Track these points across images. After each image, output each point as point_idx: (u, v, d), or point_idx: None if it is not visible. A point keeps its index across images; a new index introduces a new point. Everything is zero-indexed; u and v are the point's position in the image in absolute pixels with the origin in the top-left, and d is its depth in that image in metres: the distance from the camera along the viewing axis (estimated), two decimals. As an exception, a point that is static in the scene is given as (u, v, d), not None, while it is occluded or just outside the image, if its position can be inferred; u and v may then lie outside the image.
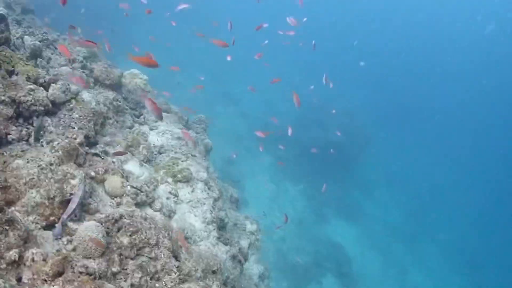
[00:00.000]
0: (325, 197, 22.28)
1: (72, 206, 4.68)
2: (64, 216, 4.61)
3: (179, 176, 7.34)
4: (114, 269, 4.40)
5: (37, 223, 4.73)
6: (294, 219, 20.55)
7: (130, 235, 4.81)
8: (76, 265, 4.02)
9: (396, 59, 48.33)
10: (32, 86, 6.51)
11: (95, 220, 4.74)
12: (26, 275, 4.00)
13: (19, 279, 3.99)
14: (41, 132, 6.19)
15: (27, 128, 6.12)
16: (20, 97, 6.18)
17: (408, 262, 21.44)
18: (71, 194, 5.06)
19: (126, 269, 4.54)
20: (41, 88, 6.73)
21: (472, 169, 32.83)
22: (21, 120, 6.24)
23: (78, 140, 6.07)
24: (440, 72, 48.55)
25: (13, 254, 4.00)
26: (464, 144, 36.61)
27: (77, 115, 6.67)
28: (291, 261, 17.57)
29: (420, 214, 25.01)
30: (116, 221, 4.84)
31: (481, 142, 38.01)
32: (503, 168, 34.02)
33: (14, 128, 5.99)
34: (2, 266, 3.94)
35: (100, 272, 4.18)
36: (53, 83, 7.05)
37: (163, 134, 9.20)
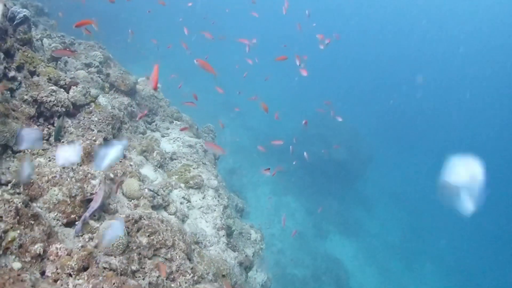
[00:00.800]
0: (326, 212, 22.38)
1: (94, 205, 4.83)
2: (87, 214, 4.75)
3: (191, 182, 7.49)
4: (134, 267, 4.53)
5: (58, 220, 4.87)
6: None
7: (148, 236, 4.95)
8: (100, 261, 4.16)
9: (404, 79, 48.88)
10: (54, 88, 6.71)
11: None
12: (49, 269, 4.12)
13: (42, 273, 4.12)
14: (62, 133, 6.36)
15: (48, 128, 6.30)
16: (42, 97, 6.37)
17: (406, 280, 21.43)
18: (91, 193, 5.22)
19: (144, 268, 4.67)
20: (62, 89, 6.94)
21: None
22: (41, 120, 6.42)
23: (97, 142, 6.23)
24: (445, 92, 49.06)
25: (38, 248, 4.13)
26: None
27: (96, 118, 6.86)
28: (289, 274, 17.59)
29: (420, 233, 25.05)
30: (136, 221, 4.98)
31: (483, 161, 38.17)
32: (506, 189, 34.13)
33: (35, 127, 6.17)
34: (26, 260, 4.06)
35: (121, 269, 4.31)
36: (73, 85, 7.26)
37: (174, 141, 9.38)
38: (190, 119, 11.04)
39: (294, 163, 17.68)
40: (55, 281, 3.99)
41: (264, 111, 10.69)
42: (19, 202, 4.24)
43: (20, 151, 5.67)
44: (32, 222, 4.28)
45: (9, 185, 4.88)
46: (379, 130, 33.87)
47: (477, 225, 28.09)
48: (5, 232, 3.98)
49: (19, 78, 6.45)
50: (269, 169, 8.09)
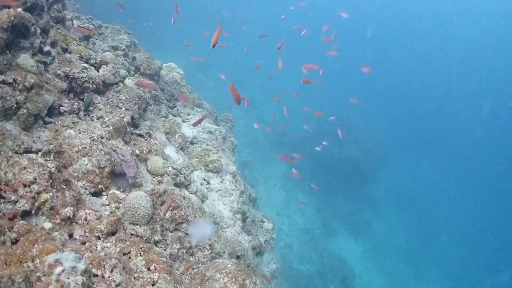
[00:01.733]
0: (335, 211, 22.42)
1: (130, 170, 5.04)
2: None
3: (210, 166, 7.67)
4: (156, 238, 4.71)
5: (86, 188, 5.07)
6: (302, 228, 20.71)
7: (171, 210, 5.13)
8: (127, 227, 4.35)
9: (425, 84, 48.58)
10: (86, 65, 6.94)
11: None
12: (77, 233, 4.32)
13: (70, 236, 4.32)
14: (91, 108, 6.57)
15: (78, 103, 6.52)
16: (74, 73, 6.59)
17: (411, 283, 21.41)
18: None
19: (166, 239, 4.85)
20: (92, 68, 7.17)
21: (483, 198, 32.65)
22: (72, 95, 6.64)
23: (125, 120, 6.43)
24: (460, 99, 48.57)
25: (68, 211, 4.32)
26: (477, 171, 36.45)
27: (124, 97, 7.06)
28: (295, 269, 17.71)
29: (427, 238, 24.94)
30: (161, 195, 5.17)
31: (494, 169, 37.76)
32: None
33: (66, 101, 6.40)
34: (56, 221, 4.27)
35: (146, 237, 4.50)
36: (103, 65, 7.48)
37: (194, 126, 9.56)
38: (210, 107, 11.21)
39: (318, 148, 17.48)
40: (83, 243, 4.19)
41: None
42: (53, 167, 4.44)
43: (51, 122, 5.90)
44: (64, 186, 4.48)
45: (40, 153, 5.09)
46: (394, 132, 33.69)
47: (485, 232, 27.85)
48: (38, 193, 4.18)
49: (52, 53, 6.69)
50: (288, 157, 8.11)
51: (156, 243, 4.68)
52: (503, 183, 35.56)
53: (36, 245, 3.54)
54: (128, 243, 4.08)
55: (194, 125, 7.18)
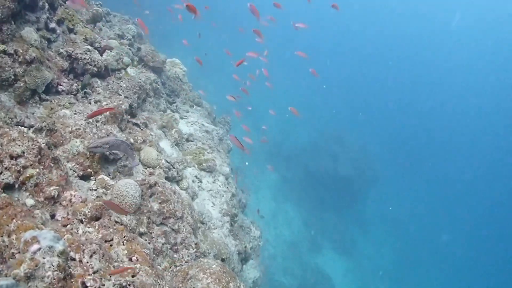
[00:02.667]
0: (323, 226, 22.24)
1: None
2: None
3: (204, 165, 7.51)
4: (142, 229, 4.53)
5: (74, 171, 4.89)
6: (287, 241, 20.50)
7: (160, 203, 4.95)
8: (112, 214, 4.16)
9: (422, 105, 48.74)
10: (89, 47, 6.80)
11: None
12: (60, 214, 4.14)
13: (52, 216, 4.13)
14: (88, 89, 6.40)
15: (77, 84, 6.36)
16: (77, 54, 6.45)
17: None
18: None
19: (151, 232, 4.67)
20: (96, 51, 7.03)
21: (470, 223, 32.53)
22: (72, 76, 6.48)
23: (123, 107, 6.27)
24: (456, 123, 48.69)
25: (53, 190, 4.14)
26: (469, 196, 36.36)
27: (124, 85, 6.91)
28: (277, 281, 17.46)
29: (412, 262, 24.78)
30: (151, 186, 5.00)
31: (487, 196, 37.69)
32: (503, 219, 33.68)
33: (65, 80, 6.24)
34: (40, 199, 4.08)
35: (130, 228, 4.32)
36: (107, 50, 7.34)
37: (192, 124, 9.42)
38: (209, 107, 11.09)
39: None
40: (65, 225, 4.00)
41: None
42: (43, 143, 4.27)
43: (47, 100, 5.73)
44: (52, 164, 4.30)
45: (32, 129, 4.92)
46: (388, 152, 33.67)
47: (472, 258, 27.69)
48: (25, 167, 4.00)
49: (58, 31, 6.55)
50: (240, 142, 7.01)
51: (140, 235, 4.50)
52: (495, 208, 35.55)
53: (14, 220, 3.35)
54: (111, 230, 3.90)
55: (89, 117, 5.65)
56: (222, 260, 5.87)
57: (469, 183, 37.31)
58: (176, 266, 4.68)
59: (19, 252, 3.11)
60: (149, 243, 4.53)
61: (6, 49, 5.17)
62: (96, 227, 3.92)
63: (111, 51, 7.19)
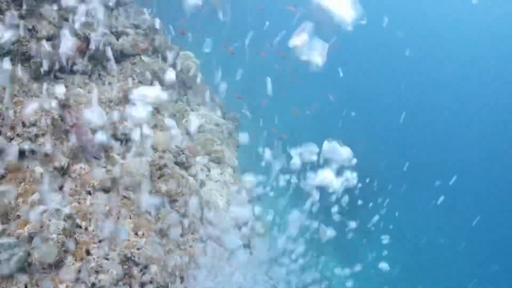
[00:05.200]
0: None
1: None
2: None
3: (213, 155, 7.46)
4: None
5: (85, 148, 4.85)
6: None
7: (168, 185, 4.90)
8: (120, 190, 4.12)
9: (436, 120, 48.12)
10: (106, 31, 6.81)
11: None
12: (68, 185, 4.09)
13: (60, 187, 4.09)
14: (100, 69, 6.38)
15: (92, 66, 6.36)
16: (93, 36, 6.45)
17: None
18: (122, 134, 5.21)
19: (158, 214, 4.61)
20: (113, 35, 7.04)
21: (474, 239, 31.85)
22: (87, 58, 6.48)
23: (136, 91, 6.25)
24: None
25: (63, 161, 4.10)
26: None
27: (139, 70, 6.91)
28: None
29: (416, 273, 24.28)
30: (160, 168, 4.95)
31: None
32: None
33: (80, 60, 6.24)
34: (49, 169, 4.04)
35: (138, 205, 4.26)
36: (124, 35, 7.36)
37: (202, 117, 9.39)
38: (220, 101, 11.05)
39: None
40: (72, 196, 3.95)
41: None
42: (56, 114, 4.25)
43: (62, 78, 5.73)
44: (64, 137, 4.28)
45: (46, 102, 4.90)
46: (398, 164, 33.24)
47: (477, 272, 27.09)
48: (36, 136, 3.98)
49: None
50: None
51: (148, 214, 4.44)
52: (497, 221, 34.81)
53: (22, 184, 3.31)
54: (120, 204, 3.85)
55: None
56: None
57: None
58: (181, 249, 4.61)
59: (24, 215, 3.07)
60: (155, 224, 4.46)
61: (25, 24, 5.19)
62: (104, 200, 3.86)
63: (127, 37, 7.20)
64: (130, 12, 10.90)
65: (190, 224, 4.98)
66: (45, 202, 2.95)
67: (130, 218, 3.77)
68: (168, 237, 4.66)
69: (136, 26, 9.88)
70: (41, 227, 2.82)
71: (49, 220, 2.86)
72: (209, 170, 7.07)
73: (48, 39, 5.46)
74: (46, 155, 4.03)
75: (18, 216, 3.05)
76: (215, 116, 9.58)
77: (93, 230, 3.27)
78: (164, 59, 9.33)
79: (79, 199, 3.79)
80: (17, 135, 3.81)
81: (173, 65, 9.87)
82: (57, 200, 2.98)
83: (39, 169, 3.86)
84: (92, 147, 4.70)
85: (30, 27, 5.34)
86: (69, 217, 2.95)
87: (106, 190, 4.00)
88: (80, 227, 3.26)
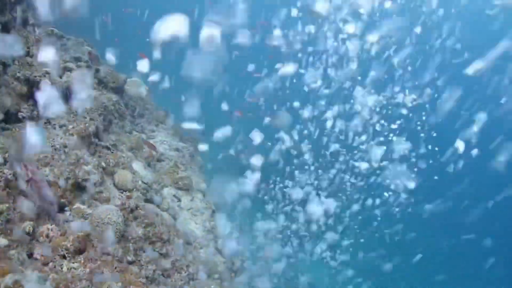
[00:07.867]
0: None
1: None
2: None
3: (180, 183, 7.20)
4: (129, 258, 4.17)
5: (46, 203, 4.46)
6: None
7: (144, 227, 4.61)
8: (97, 245, 3.80)
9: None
10: (48, 70, 6.36)
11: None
12: (38, 251, 3.72)
13: (30, 255, 3.71)
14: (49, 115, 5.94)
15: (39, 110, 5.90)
16: (35, 77, 6.00)
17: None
18: (83, 179, 4.84)
19: (140, 260, 4.32)
20: (55, 73, 6.59)
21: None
22: (31, 101, 6.02)
23: (90, 129, 5.88)
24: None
25: (27, 226, 3.73)
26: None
27: (89, 107, 6.51)
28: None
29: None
30: (132, 210, 4.65)
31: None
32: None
33: (26, 106, 5.78)
34: (14, 238, 3.66)
35: (118, 258, 3.96)
36: (68, 71, 6.93)
37: (160, 143, 9.09)
38: (175, 124, 10.75)
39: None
40: (45, 264, 3.58)
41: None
42: (9, 174, 3.85)
43: (8, 129, 5.26)
44: (22, 197, 3.88)
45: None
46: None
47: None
48: (-9, 204, 3.58)
49: (11, 55, 6.08)
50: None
51: (129, 263, 4.14)
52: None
53: (-11, 264, 2.95)
54: (99, 262, 3.54)
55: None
56: (214, 278, 5.57)
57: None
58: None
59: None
60: (140, 271, 4.17)
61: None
62: (82, 261, 3.54)
63: (71, 72, 6.78)
64: (68, 44, 10.38)
65: (174, 263, 4.73)
66: (21, 283, 2.61)
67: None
68: (156, 282, 4.39)
69: (77, 59, 9.41)
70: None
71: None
72: (179, 199, 6.80)
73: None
74: (8, 222, 3.64)
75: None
76: (174, 141, 9.32)
77: (79, 301, 2.96)
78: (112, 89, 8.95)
79: (55, 266, 3.44)
80: (-29, 207, 3.40)
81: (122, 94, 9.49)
82: (34, 279, 2.65)
83: (3, 241, 3.48)
84: (53, 203, 4.29)
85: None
86: (51, 294, 2.64)
87: (81, 250, 3.67)
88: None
